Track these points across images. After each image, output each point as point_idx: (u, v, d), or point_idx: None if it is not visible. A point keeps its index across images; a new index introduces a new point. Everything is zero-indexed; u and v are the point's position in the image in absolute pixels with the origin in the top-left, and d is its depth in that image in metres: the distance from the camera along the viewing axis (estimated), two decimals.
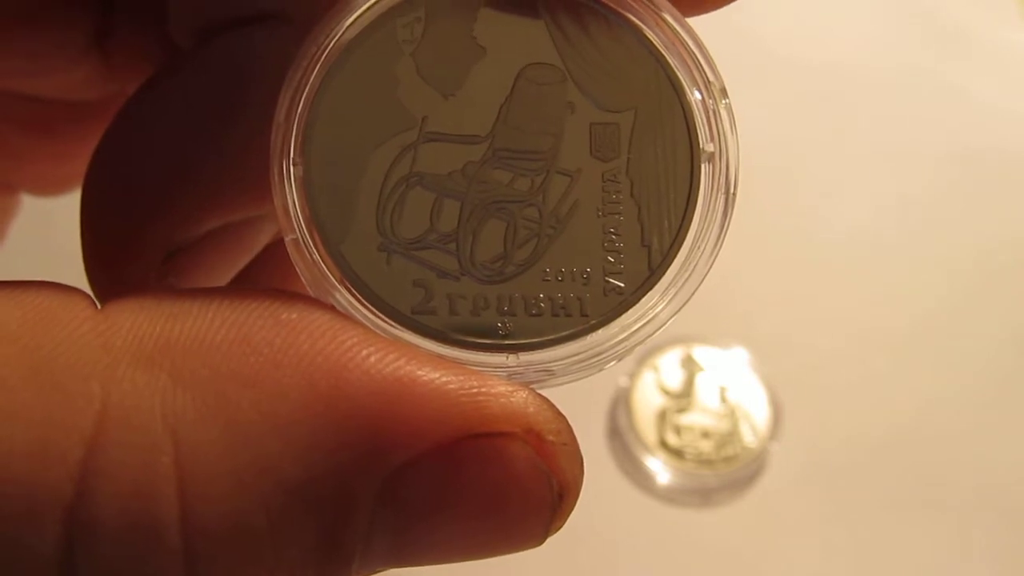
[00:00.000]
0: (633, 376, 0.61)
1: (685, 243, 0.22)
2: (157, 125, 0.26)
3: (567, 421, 0.20)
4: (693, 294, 0.21)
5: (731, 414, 0.61)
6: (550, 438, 0.20)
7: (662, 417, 0.60)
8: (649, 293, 0.21)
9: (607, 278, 0.21)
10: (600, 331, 0.21)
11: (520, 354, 0.21)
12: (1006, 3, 0.81)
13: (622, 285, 0.21)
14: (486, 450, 0.19)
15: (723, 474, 0.59)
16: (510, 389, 0.19)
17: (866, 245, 0.68)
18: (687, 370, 0.62)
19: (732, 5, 0.23)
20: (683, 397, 0.61)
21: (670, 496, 0.59)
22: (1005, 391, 0.63)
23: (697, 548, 0.57)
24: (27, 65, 0.28)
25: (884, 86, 0.76)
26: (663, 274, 0.21)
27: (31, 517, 0.17)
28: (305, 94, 0.21)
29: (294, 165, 0.21)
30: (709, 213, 0.22)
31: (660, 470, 0.59)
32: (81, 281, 0.23)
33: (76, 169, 0.27)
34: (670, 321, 0.21)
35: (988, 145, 0.73)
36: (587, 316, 0.21)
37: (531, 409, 0.19)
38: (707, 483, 0.59)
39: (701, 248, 0.22)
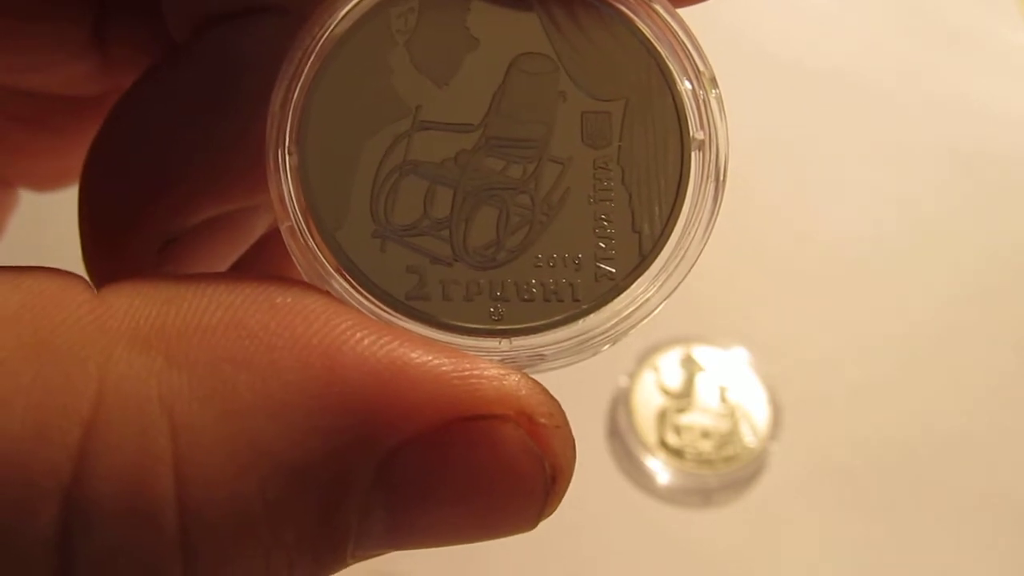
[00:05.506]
0: (633, 376, 0.61)
1: (675, 229, 0.22)
2: (153, 115, 0.26)
3: (559, 404, 0.20)
4: (683, 280, 0.22)
5: (731, 414, 0.61)
6: (542, 420, 0.20)
7: (662, 417, 0.60)
8: (640, 279, 0.22)
9: (598, 264, 0.22)
10: (592, 316, 0.22)
11: (512, 339, 0.21)
12: (1006, 3, 0.81)
13: (613, 271, 0.22)
14: (478, 432, 0.19)
15: (723, 474, 0.59)
16: (502, 372, 0.20)
17: (867, 246, 0.68)
18: (687, 370, 0.62)
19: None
20: (683, 397, 0.61)
21: (670, 496, 0.59)
22: (1005, 391, 0.63)
23: (697, 548, 0.57)
24: (25, 61, 0.28)
25: (885, 87, 0.76)
26: (654, 260, 0.22)
27: (29, 499, 0.17)
28: (300, 84, 0.21)
29: (289, 154, 0.21)
30: (699, 200, 0.22)
31: (660, 470, 0.59)
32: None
33: (73, 164, 0.28)
34: (661, 306, 0.22)
35: (989, 145, 0.73)
36: (579, 301, 0.21)
37: (523, 392, 0.20)
38: (707, 483, 0.59)
39: (691, 234, 0.22)
